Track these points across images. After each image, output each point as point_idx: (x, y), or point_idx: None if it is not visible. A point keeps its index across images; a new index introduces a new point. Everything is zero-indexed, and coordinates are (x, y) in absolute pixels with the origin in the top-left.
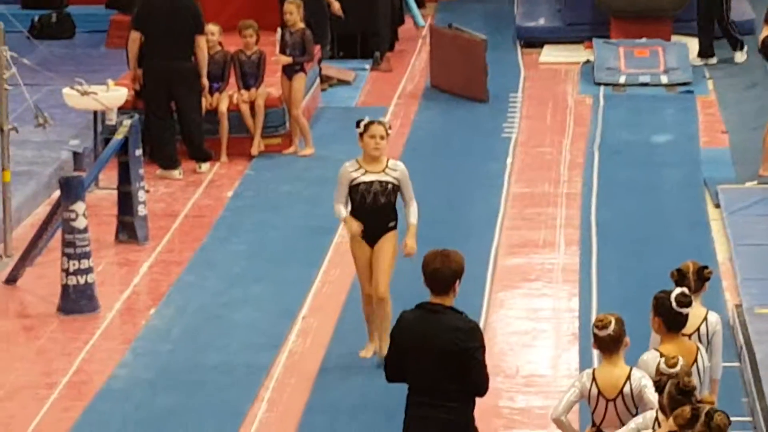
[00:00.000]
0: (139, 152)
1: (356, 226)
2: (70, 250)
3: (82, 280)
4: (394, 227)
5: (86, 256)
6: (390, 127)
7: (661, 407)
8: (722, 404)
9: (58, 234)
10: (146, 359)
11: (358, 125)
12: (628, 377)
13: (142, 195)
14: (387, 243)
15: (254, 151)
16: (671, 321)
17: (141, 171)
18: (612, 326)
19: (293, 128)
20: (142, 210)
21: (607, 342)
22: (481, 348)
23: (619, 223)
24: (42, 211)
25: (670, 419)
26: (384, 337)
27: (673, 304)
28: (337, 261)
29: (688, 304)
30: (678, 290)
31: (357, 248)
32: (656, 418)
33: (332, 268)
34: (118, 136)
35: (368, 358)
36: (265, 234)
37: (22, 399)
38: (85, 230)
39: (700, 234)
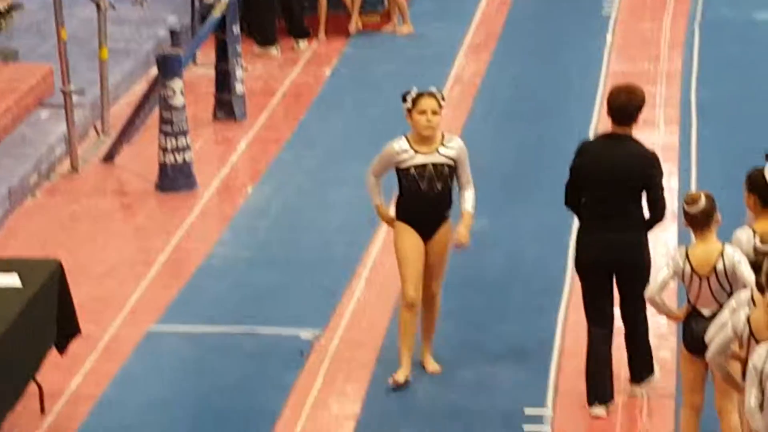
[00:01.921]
0: (236, 29)
1: (389, 219)
2: (167, 128)
3: (179, 158)
4: (449, 216)
5: (184, 133)
6: (443, 98)
7: (759, 286)
8: None
9: (156, 112)
10: (244, 237)
11: (404, 99)
12: (721, 254)
13: (239, 73)
14: (445, 236)
15: (352, 28)
16: (765, 197)
17: (239, 48)
18: (702, 202)
19: (391, 6)
20: (239, 88)
21: (698, 218)
22: (661, 175)
23: (720, 101)
24: (139, 89)
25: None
26: (429, 346)
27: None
28: None
29: None
30: None
31: (406, 241)
32: (751, 297)
33: None
34: (216, 14)
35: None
36: (364, 112)
37: (120, 276)
38: (182, 108)
39: None
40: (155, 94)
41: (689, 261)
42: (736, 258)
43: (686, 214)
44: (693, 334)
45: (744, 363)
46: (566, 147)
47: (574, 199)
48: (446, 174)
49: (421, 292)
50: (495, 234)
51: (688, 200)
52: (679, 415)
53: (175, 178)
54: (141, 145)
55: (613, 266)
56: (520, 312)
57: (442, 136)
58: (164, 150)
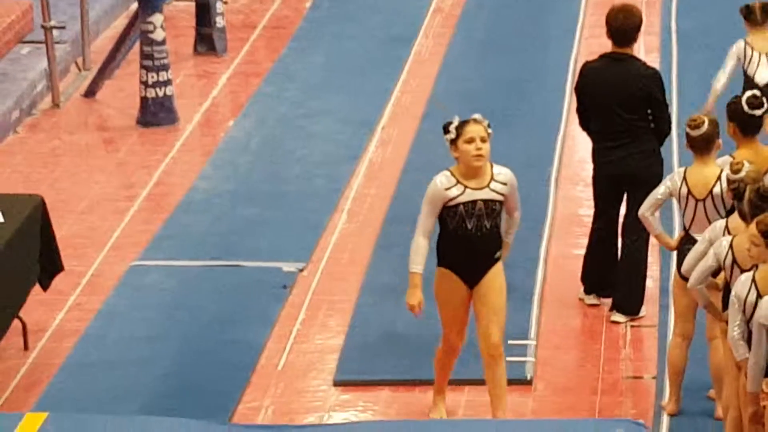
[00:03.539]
0: None
1: (417, 302)
2: (148, 63)
3: (160, 93)
4: (500, 257)
5: (165, 68)
6: (490, 125)
7: (741, 214)
8: None
9: (137, 46)
10: (226, 171)
11: (446, 130)
12: (719, 178)
13: (220, 6)
14: (497, 280)
15: None
16: (744, 124)
17: None
18: (705, 126)
19: None
20: (220, 21)
21: (699, 142)
22: (663, 91)
23: (700, 30)
24: (120, 24)
25: (752, 226)
26: (500, 404)
27: (745, 106)
28: (416, 71)
29: (760, 106)
30: (749, 93)
31: (449, 288)
32: (726, 227)
33: (411, 78)
34: None
35: None
36: (344, 45)
37: (102, 211)
38: (163, 42)
39: None
40: (136, 29)
41: (686, 182)
42: None
43: (688, 136)
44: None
45: (721, 291)
46: (548, 76)
47: (585, 120)
48: (497, 211)
49: (464, 337)
50: None
51: (691, 124)
52: (663, 344)
53: (156, 113)
54: (122, 80)
55: (626, 181)
56: None
57: (491, 169)
58: (145, 84)
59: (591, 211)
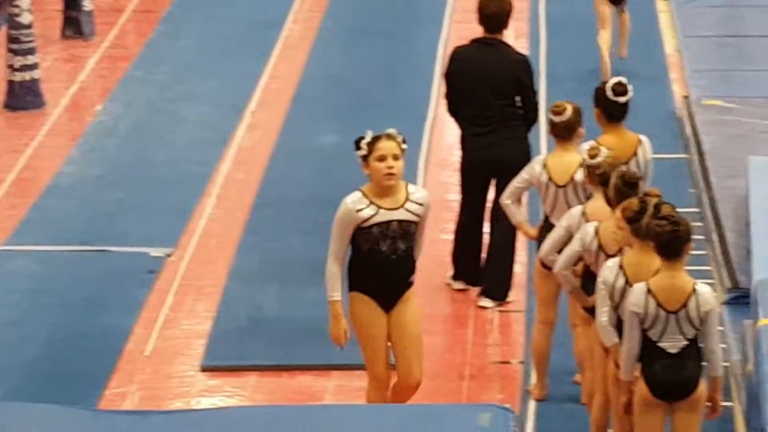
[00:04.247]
0: None
1: (343, 331)
2: (14, 46)
3: (27, 77)
4: (413, 281)
5: (31, 51)
6: (404, 141)
7: (607, 199)
8: (669, 196)
9: (3, 30)
10: (94, 155)
11: (358, 146)
12: (580, 165)
13: None
14: (411, 306)
15: None
16: (609, 110)
17: None
18: (568, 113)
19: None
20: (88, 5)
21: (562, 128)
22: (532, 78)
23: (569, 16)
24: None
25: (617, 211)
26: None
27: (609, 92)
28: (285, 55)
29: (624, 92)
30: (614, 79)
31: (368, 315)
32: (583, 212)
33: (280, 63)
34: None
35: None
36: (213, 28)
37: None
38: (29, 26)
39: (649, 26)
40: (3, 12)
41: (547, 169)
42: None
43: (551, 123)
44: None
45: (580, 276)
46: (417, 61)
47: (454, 106)
48: (412, 232)
49: (390, 370)
50: (347, 148)
51: (555, 110)
52: (530, 329)
53: (22, 97)
54: None
55: (495, 167)
56: None
57: (406, 188)
58: (11, 68)
59: (459, 197)
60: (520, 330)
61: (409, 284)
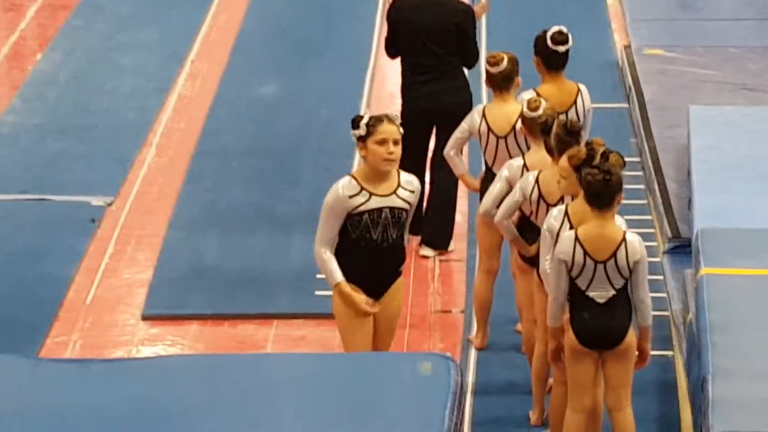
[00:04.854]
0: None
1: (364, 301)
2: None
3: None
4: (402, 271)
5: None
6: (402, 126)
7: (548, 149)
8: (610, 146)
9: None
10: (34, 104)
11: (356, 125)
12: (520, 115)
13: None
14: (398, 297)
15: None
16: (548, 59)
17: None
18: (504, 64)
19: None
20: None
21: (499, 79)
22: (474, 26)
23: None
24: None
25: (563, 159)
26: None
27: (549, 41)
28: (225, 5)
29: (564, 42)
30: (555, 28)
31: (357, 307)
32: (524, 164)
33: (220, 13)
34: None
35: None
36: None
37: None
38: None
39: None
40: None
41: (486, 120)
42: None
43: (488, 74)
44: None
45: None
46: (359, 7)
47: (394, 52)
48: (403, 220)
49: None
50: (287, 98)
51: (491, 60)
52: (471, 278)
53: None
54: None
55: (436, 116)
56: (312, 176)
57: (398, 176)
58: None
59: None
60: (461, 279)
61: (399, 273)
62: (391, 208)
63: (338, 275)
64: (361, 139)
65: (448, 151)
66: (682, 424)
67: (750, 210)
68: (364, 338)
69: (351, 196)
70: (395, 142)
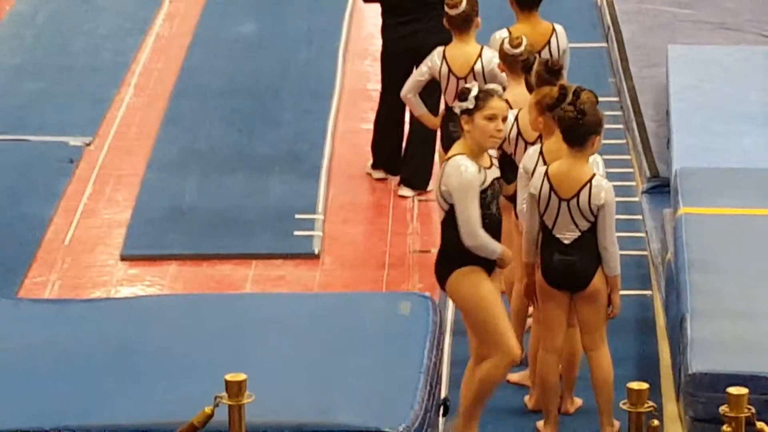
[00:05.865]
0: None
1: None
2: None
3: None
4: None
5: None
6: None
7: (528, 86)
8: (589, 86)
9: None
10: (11, 44)
11: (463, 97)
12: (480, 55)
13: None
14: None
15: None
16: None
17: None
18: (463, 5)
19: None
20: None
21: (458, 20)
22: None
23: None
24: None
25: (532, 97)
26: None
27: None
28: None
29: None
30: None
31: (491, 290)
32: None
33: None
34: None
35: None
36: None
37: None
38: None
39: None
40: None
41: (446, 60)
42: (495, 60)
43: (447, 15)
44: (452, 138)
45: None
46: None
47: None
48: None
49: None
50: (266, 38)
51: (450, 3)
52: None
53: None
54: None
55: (416, 56)
56: (292, 117)
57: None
58: None
59: (379, 86)
60: (438, 218)
61: None
62: (497, 179)
63: (499, 248)
64: (467, 112)
65: (406, 93)
66: (661, 362)
67: (729, 149)
68: (506, 322)
69: (477, 173)
70: (505, 118)
